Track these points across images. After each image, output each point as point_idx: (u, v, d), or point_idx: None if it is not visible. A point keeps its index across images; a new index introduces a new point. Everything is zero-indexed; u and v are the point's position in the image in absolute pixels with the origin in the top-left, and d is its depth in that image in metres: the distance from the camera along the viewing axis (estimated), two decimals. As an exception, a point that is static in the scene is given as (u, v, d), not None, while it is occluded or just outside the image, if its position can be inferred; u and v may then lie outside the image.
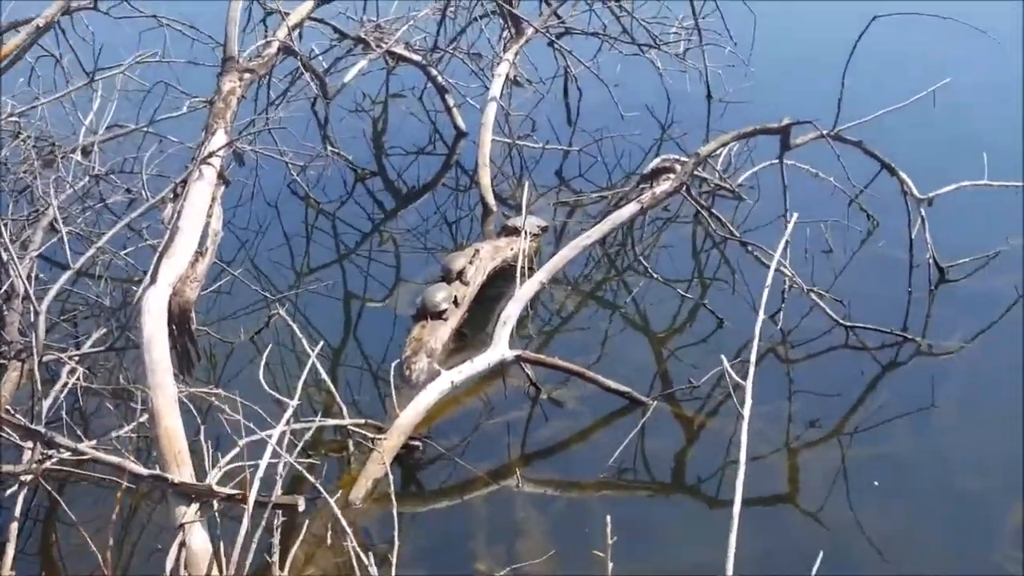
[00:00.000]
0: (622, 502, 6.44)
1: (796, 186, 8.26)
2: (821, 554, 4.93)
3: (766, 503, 6.35)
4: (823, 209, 8.57)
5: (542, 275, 7.57)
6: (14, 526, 5.58)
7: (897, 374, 7.45)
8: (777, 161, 8.32)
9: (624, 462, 6.59)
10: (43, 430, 5.67)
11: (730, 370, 5.96)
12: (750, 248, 7.96)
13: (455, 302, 7.79)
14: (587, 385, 7.12)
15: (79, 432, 6.35)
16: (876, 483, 6.50)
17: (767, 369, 7.15)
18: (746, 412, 5.53)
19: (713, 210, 8.36)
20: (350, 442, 6.62)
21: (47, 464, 5.73)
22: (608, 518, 3.63)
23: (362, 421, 6.63)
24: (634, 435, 6.66)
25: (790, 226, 6.57)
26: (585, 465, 6.66)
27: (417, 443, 6.70)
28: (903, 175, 8.24)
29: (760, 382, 5.76)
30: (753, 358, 5.65)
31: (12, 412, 5.90)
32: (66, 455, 5.69)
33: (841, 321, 7.62)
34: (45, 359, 6.48)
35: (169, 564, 5.39)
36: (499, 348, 7.04)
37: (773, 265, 6.38)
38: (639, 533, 6.03)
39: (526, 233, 8.19)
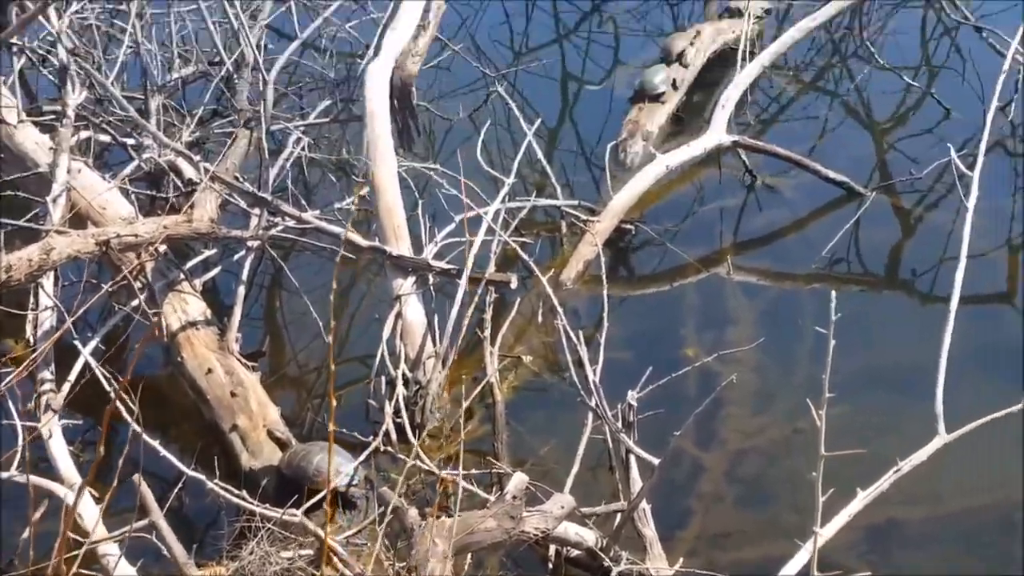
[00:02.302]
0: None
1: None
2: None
3: (983, 302, 6.16)
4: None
5: (764, 58, 7.37)
6: (241, 290, 5.78)
7: None
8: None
9: (838, 253, 6.47)
10: (270, 197, 5.82)
11: (957, 160, 5.76)
12: (985, 34, 7.56)
13: (674, 84, 7.65)
14: (804, 174, 6.96)
15: (303, 202, 6.50)
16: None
17: (994, 163, 6.73)
18: (971, 204, 5.35)
19: (948, -8, 7.97)
20: (563, 223, 6.63)
21: (273, 231, 5.90)
22: (833, 293, 3.55)
23: (575, 202, 6.64)
24: (850, 226, 6.52)
25: (1030, 13, 6.24)
26: (798, 255, 6.56)
27: (629, 227, 6.66)
28: None
29: (985, 176, 5.57)
30: (983, 149, 5.44)
31: (241, 179, 6.07)
32: (291, 223, 5.84)
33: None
34: (272, 128, 6.61)
35: (386, 333, 5.56)
36: (716, 133, 6.91)
37: (1010, 53, 6.09)
38: (850, 327, 5.92)
39: (750, 15, 7.96)
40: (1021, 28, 6.36)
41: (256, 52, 6.76)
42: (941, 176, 6.80)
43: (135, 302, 5.41)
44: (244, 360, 5.56)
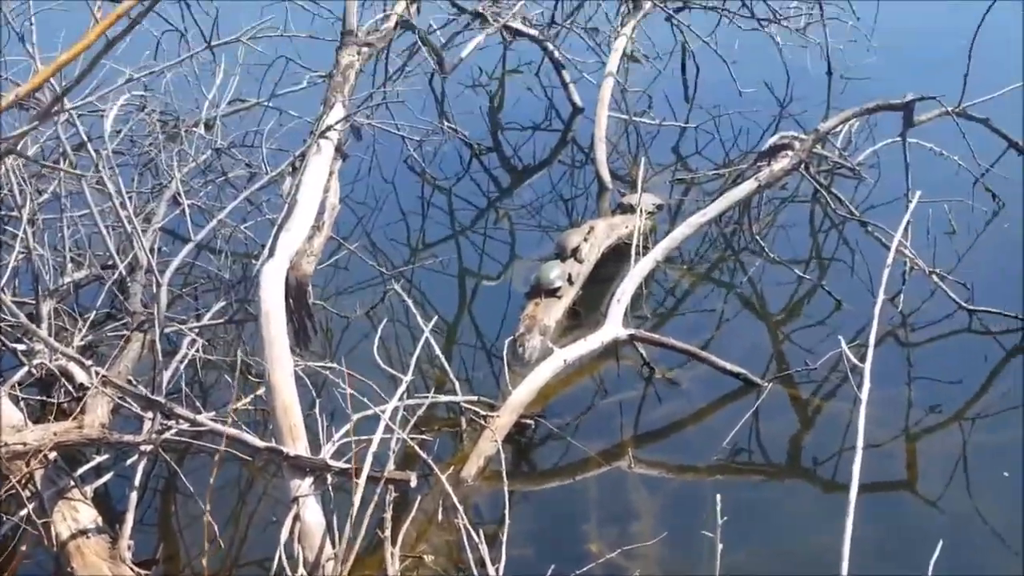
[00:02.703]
0: (736, 485, 6.35)
1: (919, 165, 8.05)
2: (941, 543, 4.81)
3: (883, 489, 6.22)
4: (947, 189, 8.36)
5: (657, 253, 7.52)
6: (133, 496, 5.66)
7: (1021, 360, 7.22)
8: (899, 139, 8.10)
9: (738, 444, 6.50)
10: (163, 401, 5.74)
11: (848, 352, 5.85)
12: (870, 228, 7.81)
13: (569, 279, 7.77)
14: (701, 365, 7.05)
15: (198, 404, 6.44)
16: (1007, 474, 6.30)
17: (886, 353, 6.98)
18: (864, 395, 5.42)
19: (832, 189, 8.25)
20: (463, 419, 6.62)
21: (166, 435, 5.81)
22: (718, 497, 3.56)
23: (475, 398, 6.64)
24: (748, 417, 6.57)
25: (912, 206, 6.43)
26: (699, 447, 6.59)
27: (529, 421, 6.67)
28: None
29: (879, 366, 5.63)
30: (872, 340, 5.52)
31: (134, 383, 5.99)
32: (185, 426, 5.76)
33: (964, 304, 7.43)
34: (166, 331, 6.57)
35: (283, 537, 5.45)
36: (613, 326, 6.99)
37: (894, 246, 6.23)
38: (753, 517, 5.96)
39: (641, 211, 8.13)
40: (903, 222, 6.57)
41: (149, 255, 6.76)
42: (836, 366, 6.89)
43: (23, 511, 5.27)
44: (136, 568, 5.41)
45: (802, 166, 7.97)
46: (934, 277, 7.47)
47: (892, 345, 7.31)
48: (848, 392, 6.60)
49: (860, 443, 5.23)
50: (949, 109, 7.99)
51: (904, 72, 10.45)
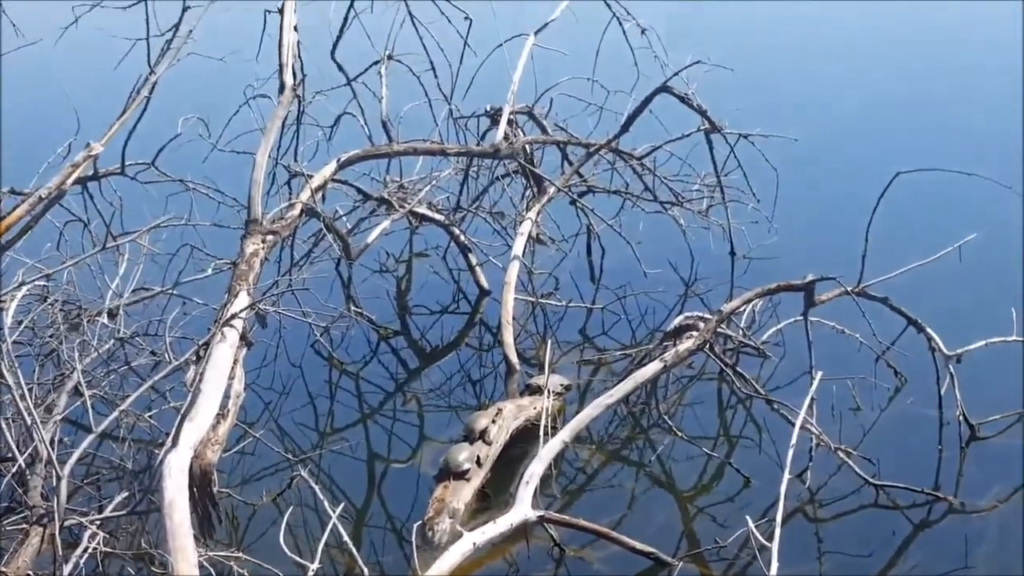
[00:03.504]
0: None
1: (822, 343, 8.32)
2: None
3: None
4: (850, 366, 8.59)
5: (565, 434, 7.60)
6: None
7: (929, 534, 7.39)
8: (802, 318, 8.37)
9: (651, 624, 6.53)
10: (62, 596, 5.68)
11: (755, 532, 5.95)
12: (775, 406, 7.99)
13: (478, 462, 7.81)
14: (612, 545, 7.10)
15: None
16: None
17: (795, 529, 7.11)
18: (772, 574, 5.53)
19: (738, 368, 8.44)
20: (372, 607, 6.60)
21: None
22: None
23: (385, 585, 6.63)
24: (658, 599, 6.62)
25: (815, 383, 6.62)
26: (611, 629, 6.61)
27: (440, 607, 6.65)
28: (931, 331, 8.26)
29: (788, 542, 5.78)
30: (779, 518, 5.66)
31: (32, 578, 5.92)
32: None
33: (870, 480, 7.58)
34: (67, 523, 6.51)
35: None
36: (522, 508, 7.03)
37: (799, 423, 6.42)
38: None
39: (549, 392, 8.25)
40: (807, 399, 6.73)
41: (49, 448, 6.71)
42: (745, 543, 6.92)
43: None
44: None
45: (707, 346, 8.16)
46: (840, 453, 7.62)
47: (800, 521, 7.43)
48: (759, 569, 6.63)
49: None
50: (848, 289, 8.21)
51: (805, 252, 10.72)
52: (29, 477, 6.82)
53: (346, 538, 6.71)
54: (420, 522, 7.25)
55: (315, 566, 6.10)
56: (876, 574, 6.99)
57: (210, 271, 9.22)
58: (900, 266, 8.18)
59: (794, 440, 6.08)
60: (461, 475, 7.69)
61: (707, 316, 8.37)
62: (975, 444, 8.10)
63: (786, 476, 5.88)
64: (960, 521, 7.45)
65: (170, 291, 8.98)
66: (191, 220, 9.41)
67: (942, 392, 8.10)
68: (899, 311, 8.35)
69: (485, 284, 10.75)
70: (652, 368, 8.02)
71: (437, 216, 10.78)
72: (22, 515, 6.80)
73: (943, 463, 7.95)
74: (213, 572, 6.32)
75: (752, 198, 10.98)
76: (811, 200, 12.16)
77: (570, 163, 10.88)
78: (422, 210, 10.64)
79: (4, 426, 7.04)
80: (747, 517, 5.91)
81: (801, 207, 11.70)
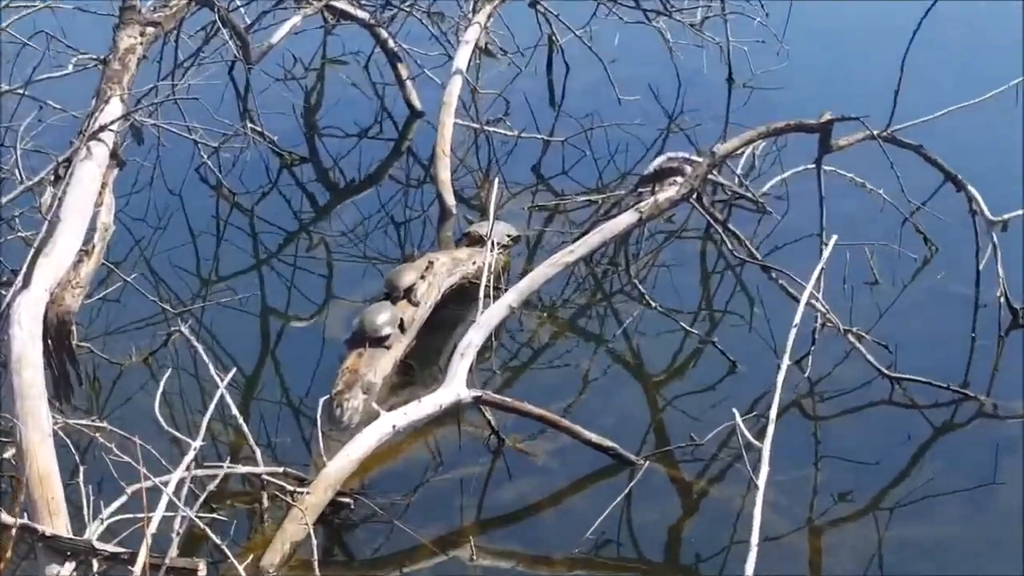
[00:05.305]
0: (601, 585, 6.57)
1: (836, 199, 8.40)
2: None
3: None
4: (869, 230, 8.74)
5: (511, 297, 7.63)
6: None
7: (953, 440, 7.52)
8: (814, 166, 8.36)
9: (605, 534, 6.66)
10: None
11: (743, 427, 6.07)
12: (774, 275, 8.00)
13: (401, 326, 7.91)
14: (562, 437, 7.21)
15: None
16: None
17: (789, 427, 7.15)
18: (761, 480, 5.67)
19: (729, 224, 8.40)
20: (264, 495, 6.72)
21: None
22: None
23: (280, 470, 6.73)
24: (619, 501, 6.75)
25: (827, 249, 6.67)
26: (557, 536, 6.74)
27: (348, 500, 6.79)
28: (972, 190, 8.30)
29: (780, 443, 5.88)
30: (773, 413, 5.76)
31: None
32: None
33: (885, 371, 7.68)
34: None
35: (37, 638, 5.53)
36: (454, 386, 7.09)
37: (803, 297, 6.50)
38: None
39: (493, 243, 8.32)
40: (816, 268, 6.80)
41: None
42: (727, 442, 7.11)
43: None
44: None
45: (693, 196, 8.08)
46: (850, 336, 7.73)
47: (797, 418, 7.58)
48: (742, 475, 6.81)
49: (755, 537, 5.49)
50: (875, 133, 8.19)
51: (821, 84, 10.76)
52: None
53: (234, 411, 6.82)
54: (327, 397, 7.33)
55: (197, 443, 6.16)
56: (885, 486, 7.10)
57: (71, 67, 9.13)
58: (939, 108, 8.18)
59: (797, 319, 6.14)
60: (379, 341, 7.78)
61: (695, 158, 8.37)
62: (1016, 333, 8.23)
63: (785, 362, 5.97)
64: (991, 426, 7.57)
65: (19, 91, 8.91)
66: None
67: (981, 266, 8.20)
68: (935, 162, 8.34)
69: (417, 104, 10.75)
70: (623, 220, 7.96)
71: (360, 13, 10.71)
72: None
73: (976, 354, 8.07)
74: (69, 443, 6.42)
75: (760, 10, 10.93)
76: (833, 18, 12.09)
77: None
78: (341, 5, 10.57)
79: None
80: (733, 410, 5.99)
81: (820, 27, 11.66)
